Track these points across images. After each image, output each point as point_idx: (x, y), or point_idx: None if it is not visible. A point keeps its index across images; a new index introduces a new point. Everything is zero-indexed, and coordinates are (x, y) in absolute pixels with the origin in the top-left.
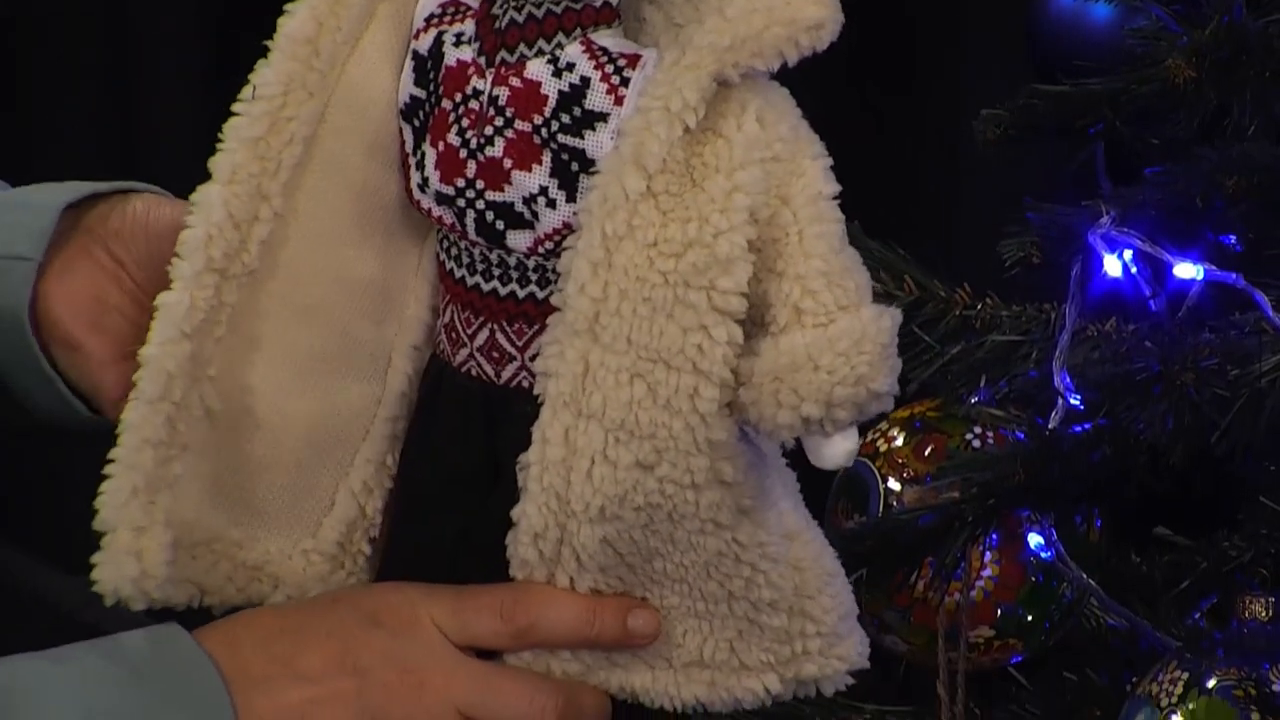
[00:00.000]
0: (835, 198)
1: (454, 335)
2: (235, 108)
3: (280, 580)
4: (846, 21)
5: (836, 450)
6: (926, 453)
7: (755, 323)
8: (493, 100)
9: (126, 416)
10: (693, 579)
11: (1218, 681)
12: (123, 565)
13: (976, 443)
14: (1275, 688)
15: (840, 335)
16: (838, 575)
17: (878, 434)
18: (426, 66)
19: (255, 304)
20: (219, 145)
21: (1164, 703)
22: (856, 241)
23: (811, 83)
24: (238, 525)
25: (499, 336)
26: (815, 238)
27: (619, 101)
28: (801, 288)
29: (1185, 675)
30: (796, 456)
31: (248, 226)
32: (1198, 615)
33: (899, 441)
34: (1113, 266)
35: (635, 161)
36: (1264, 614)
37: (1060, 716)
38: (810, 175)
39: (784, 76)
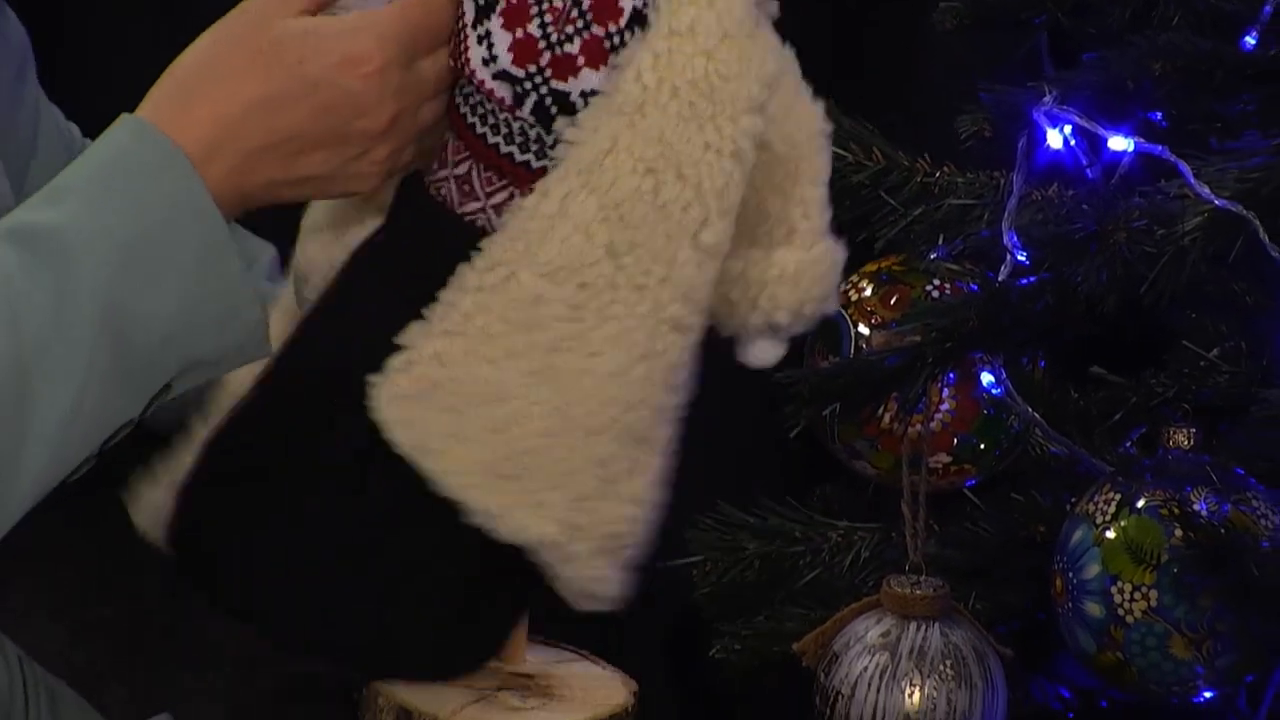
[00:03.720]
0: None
1: (468, 189)
2: None
3: None
4: None
5: (768, 354)
6: (892, 301)
7: (750, 226)
8: (576, 3)
9: None
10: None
11: (1146, 502)
12: None
13: (936, 293)
14: (1195, 507)
15: (819, 260)
16: (640, 512)
17: (850, 286)
18: None
19: None
20: None
21: (1099, 520)
22: (831, 117)
23: None
24: None
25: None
26: (819, 168)
27: None
28: (802, 211)
29: (1118, 496)
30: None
31: None
32: (1129, 444)
33: (868, 292)
34: (1055, 140)
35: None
36: (1186, 443)
37: (1008, 532)
38: (813, 113)
39: None
